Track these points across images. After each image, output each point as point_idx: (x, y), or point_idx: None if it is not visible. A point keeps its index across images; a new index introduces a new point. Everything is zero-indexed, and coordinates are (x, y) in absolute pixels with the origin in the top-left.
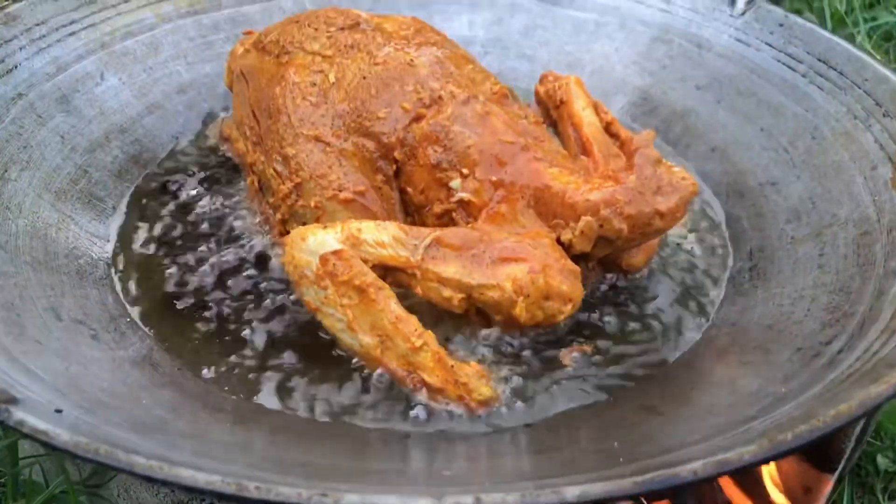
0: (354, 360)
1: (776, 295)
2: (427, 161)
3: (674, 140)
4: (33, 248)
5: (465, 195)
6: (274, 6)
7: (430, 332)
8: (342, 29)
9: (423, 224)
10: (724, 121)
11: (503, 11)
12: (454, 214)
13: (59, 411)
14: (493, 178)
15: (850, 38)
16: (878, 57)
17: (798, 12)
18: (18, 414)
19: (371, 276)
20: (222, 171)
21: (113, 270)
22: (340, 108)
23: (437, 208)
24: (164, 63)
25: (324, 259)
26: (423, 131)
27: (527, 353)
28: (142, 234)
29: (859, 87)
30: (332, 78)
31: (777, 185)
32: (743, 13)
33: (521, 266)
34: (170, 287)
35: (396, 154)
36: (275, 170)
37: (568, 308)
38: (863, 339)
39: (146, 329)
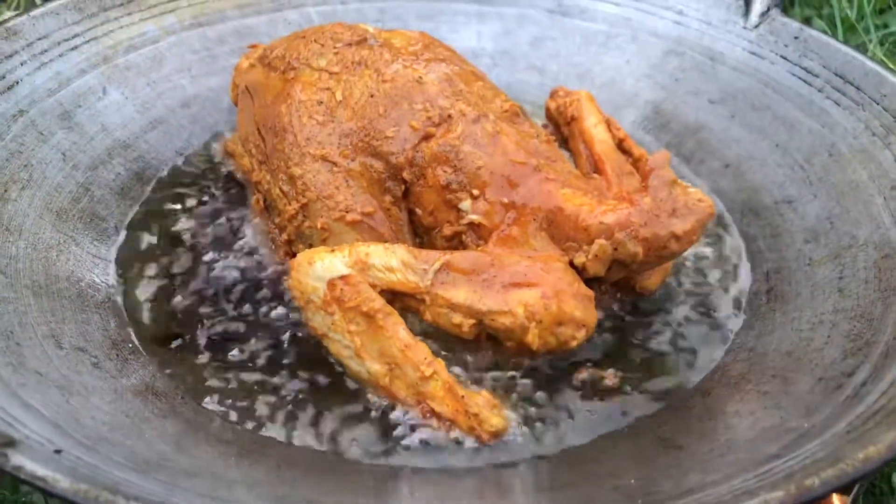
0: (363, 388)
1: (795, 319)
2: (436, 182)
3: (686, 155)
4: (34, 272)
5: (475, 217)
6: (279, 18)
7: (440, 359)
8: (349, 45)
9: (433, 246)
10: (738, 136)
11: (512, 23)
12: (464, 236)
13: (58, 452)
14: (505, 200)
15: (862, 47)
16: (893, 66)
17: (808, 20)
18: (16, 458)
19: (379, 302)
20: (227, 188)
21: (115, 294)
22: (347, 126)
23: (447, 230)
24: (168, 77)
25: (331, 284)
26: (433, 151)
27: (538, 380)
28: (144, 255)
29: (877, 103)
30: (339, 96)
31: (793, 204)
32: (757, 25)
33: (533, 291)
34: (173, 311)
35: (405, 174)
36: (281, 189)
37: (581, 334)
38: (887, 371)
39: (148, 356)
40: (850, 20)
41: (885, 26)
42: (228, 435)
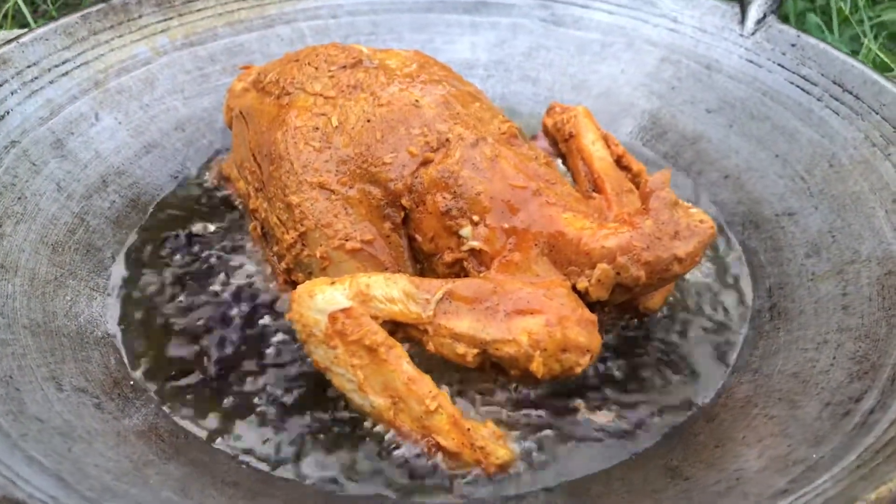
0: (368, 423)
1: (799, 338)
2: (436, 208)
3: (685, 166)
4: (31, 310)
5: (476, 244)
6: (271, 34)
7: (444, 392)
8: (344, 67)
9: (433, 272)
10: (737, 146)
11: (506, 33)
12: (465, 263)
13: None
14: (505, 226)
15: (856, 39)
16: (887, 60)
17: (802, 14)
18: None
19: (382, 335)
20: (224, 213)
21: (114, 329)
22: (344, 153)
23: (448, 257)
24: (161, 99)
25: (332, 318)
26: (431, 177)
27: (543, 410)
28: (143, 286)
29: (877, 113)
30: (335, 121)
31: (794, 216)
32: (753, 32)
33: (536, 319)
34: (174, 345)
35: (404, 201)
36: (278, 218)
37: (586, 360)
38: (895, 398)
39: (150, 393)
40: (843, 13)
41: (879, 16)
42: (236, 476)
